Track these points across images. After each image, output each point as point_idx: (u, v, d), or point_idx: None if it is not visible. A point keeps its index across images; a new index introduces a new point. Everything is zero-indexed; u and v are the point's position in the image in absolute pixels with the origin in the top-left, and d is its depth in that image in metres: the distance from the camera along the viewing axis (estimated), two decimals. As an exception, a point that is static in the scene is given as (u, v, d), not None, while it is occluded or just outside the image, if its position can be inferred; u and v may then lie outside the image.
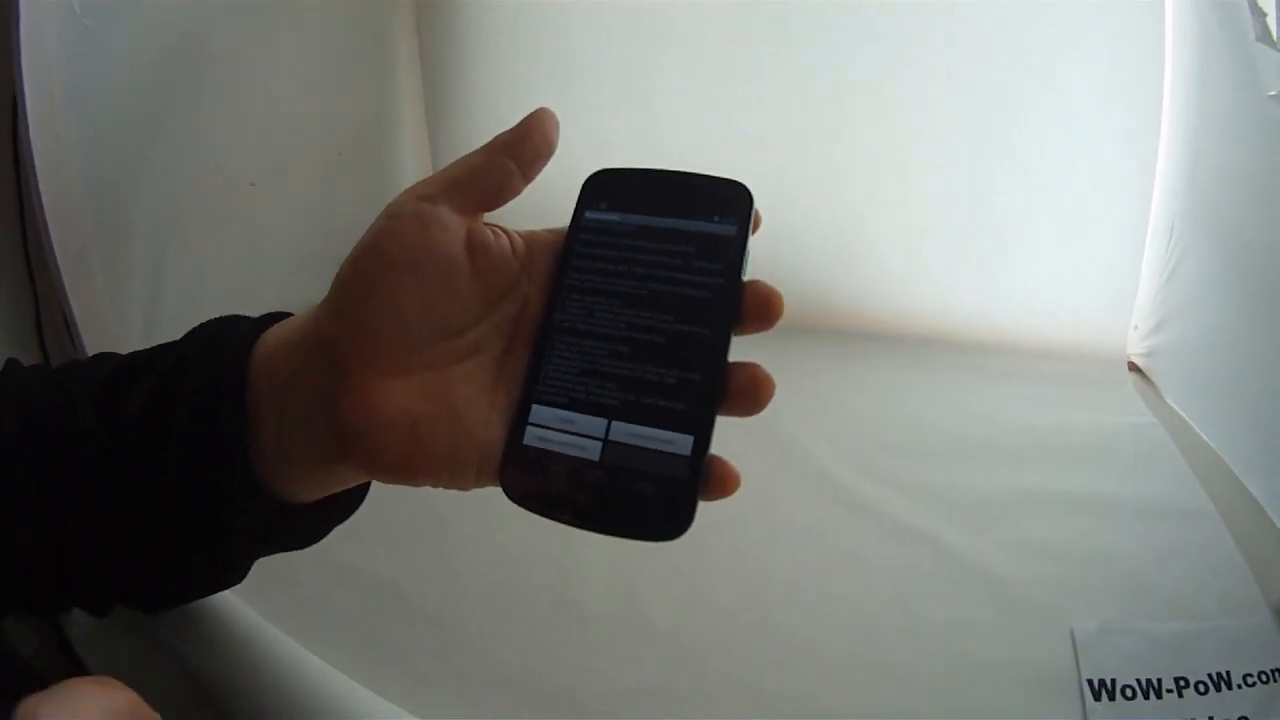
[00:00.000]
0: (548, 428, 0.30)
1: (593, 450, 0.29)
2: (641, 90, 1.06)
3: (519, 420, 0.31)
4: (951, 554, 0.75)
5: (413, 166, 1.15)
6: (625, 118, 1.06)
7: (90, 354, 0.59)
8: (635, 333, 0.31)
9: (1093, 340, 1.01)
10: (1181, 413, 0.92)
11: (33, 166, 0.58)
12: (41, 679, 0.39)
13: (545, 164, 0.32)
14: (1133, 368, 1.00)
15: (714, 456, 0.29)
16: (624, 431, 0.29)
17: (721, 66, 1.02)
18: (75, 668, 0.50)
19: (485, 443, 0.30)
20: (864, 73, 0.98)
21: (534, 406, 0.31)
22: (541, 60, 1.08)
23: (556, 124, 0.32)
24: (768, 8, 0.98)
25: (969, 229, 1.02)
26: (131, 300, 0.72)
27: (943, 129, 0.99)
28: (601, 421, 0.30)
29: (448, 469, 0.30)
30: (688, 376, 0.29)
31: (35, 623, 0.52)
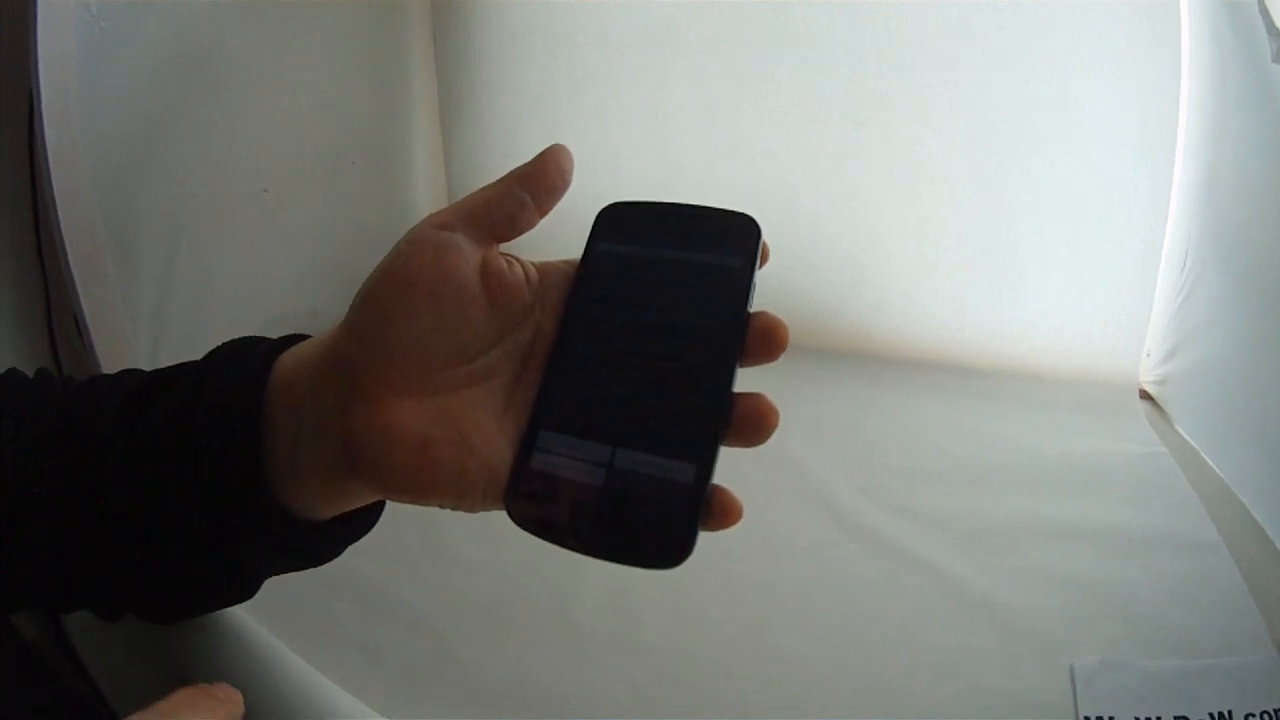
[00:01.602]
0: (554, 453, 0.30)
1: (597, 476, 0.29)
2: (654, 101, 1.06)
3: (526, 445, 0.31)
4: (954, 581, 0.74)
5: (425, 174, 1.15)
6: (637, 128, 1.06)
7: (100, 353, 0.60)
8: (642, 362, 0.31)
9: (1105, 366, 1.00)
10: (1192, 442, 0.91)
11: (47, 166, 0.59)
12: (42, 664, 0.40)
13: (559, 198, 0.33)
14: (1144, 395, 0.99)
15: (717, 486, 0.29)
16: (628, 459, 0.29)
17: (733, 80, 1.03)
18: (69, 658, 0.51)
19: (492, 466, 0.31)
20: (876, 89, 0.98)
21: (541, 432, 0.31)
22: (556, 70, 1.08)
23: (571, 160, 0.32)
24: (780, 22, 0.98)
25: (980, 250, 1.02)
26: (142, 301, 0.72)
27: (955, 148, 0.98)
28: (606, 448, 0.30)
29: (454, 490, 0.31)
30: (692, 406, 0.30)
31: (34, 611, 0.53)
